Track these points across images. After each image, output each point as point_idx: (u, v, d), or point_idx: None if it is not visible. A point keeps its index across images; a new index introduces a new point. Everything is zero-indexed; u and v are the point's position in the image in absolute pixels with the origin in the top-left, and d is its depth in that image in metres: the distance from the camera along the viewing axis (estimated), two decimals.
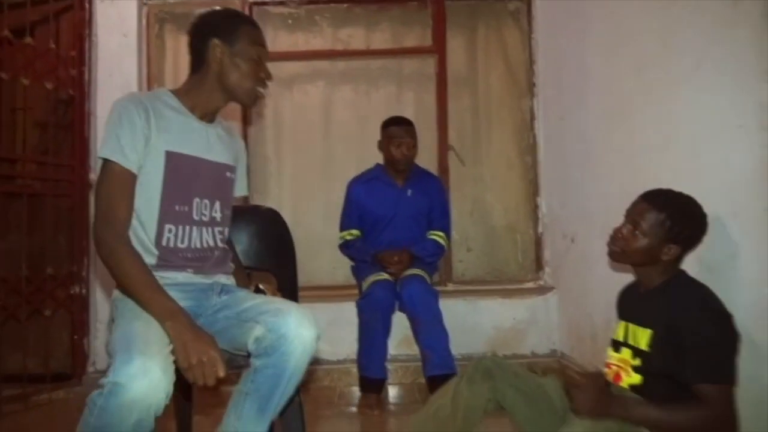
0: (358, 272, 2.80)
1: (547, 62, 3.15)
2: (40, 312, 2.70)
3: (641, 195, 1.50)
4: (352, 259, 2.92)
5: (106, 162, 1.35)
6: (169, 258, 1.43)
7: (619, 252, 1.50)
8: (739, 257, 1.51)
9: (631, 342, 1.50)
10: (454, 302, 2.91)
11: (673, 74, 1.81)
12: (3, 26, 2.58)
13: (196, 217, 1.47)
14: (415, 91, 3.37)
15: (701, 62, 1.66)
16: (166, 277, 1.37)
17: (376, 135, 2.89)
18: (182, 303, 1.30)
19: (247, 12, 3.23)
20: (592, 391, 1.40)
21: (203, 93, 1.50)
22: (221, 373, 1.19)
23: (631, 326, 1.51)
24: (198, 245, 1.48)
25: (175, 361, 1.18)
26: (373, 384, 2.56)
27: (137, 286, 1.28)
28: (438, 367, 2.42)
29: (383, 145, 2.84)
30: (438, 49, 3.26)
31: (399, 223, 2.81)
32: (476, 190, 3.35)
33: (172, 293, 1.30)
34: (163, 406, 1.13)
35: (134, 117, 1.36)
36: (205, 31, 1.49)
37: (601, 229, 2.29)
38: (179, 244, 1.44)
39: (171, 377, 1.14)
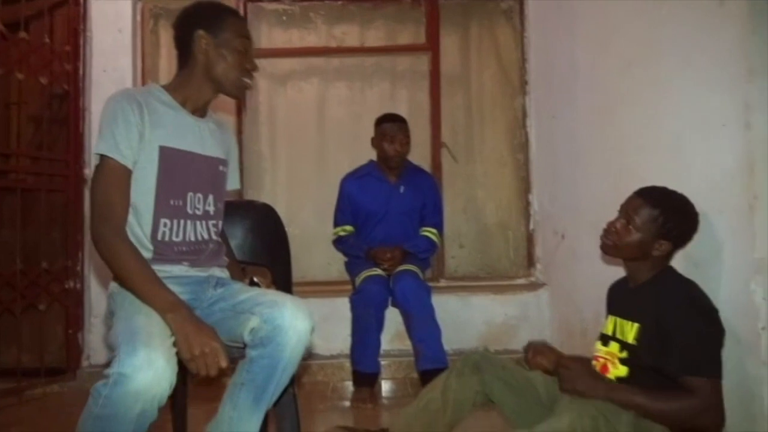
0: (352, 268, 2.83)
1: (539, 61, 3.18)
2: (34, 306, 2.70)
3: (636, 191, 1.54)
4: (345, 254, 2.94)
5: (102, 158, 1.36)
6: (165, 252, 1.44)
7: (612, 245, 1.54)
8: (723, 253, 1.55)
9: (618, 336, 1.53)
10: (447, 298, 2.94)
11: (659, 74, 1.85)
12: None
13: (190, 211, 1.48)
14: (409, 88, 3.40)
15: (687, 62, 1.69)
16: (162, 270, 1.39)
17: (370, 132, 2.91)
18: (179, 295, 1.31)
19: (242, 9, 3.24)
20: (582, 370, 1.44)
21: (192, 86, 1.51)
22: (223, 364, 1.21)
23: (620, 320, 1.55)
24: (192, 238, 1.49)
25: (177, 353, 1.20)
26: (366, 378, 2.58)
27: (137, 280, 1.29)
28: (430, 362, 2.45)
29: (376, 142, 2.86)
30: (432, 47, 3.29)
31: (392, 219, 2.84)
32: (469, 187, 3.38)
33: (170, 286, 1.32)
34: (167, 397, 1.15)
35: (128, 113, 1.37)
36: (189, 23, 1.50)
37: (591, 226, 2.33)
38: (174, 238, 1.46)
39: (174, 368, 1.16)
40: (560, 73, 2.79)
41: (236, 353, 1.37)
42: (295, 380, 1.43)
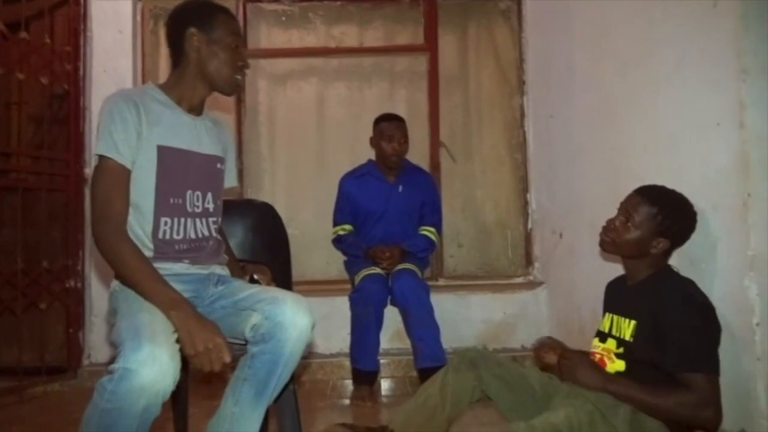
0: (351, 267, 2.84)
1: (537, 61, 3.20)
2: (35, 305, 2.72)
3: (635, 189, 1.56)
4: (344, 253, 2.95)
5: (101, 158, 1.38)
6: (166, 250, 1.45)
7: (611, 242, 1.56)
8: (718, 249, 1.57)
9: (615, 333, 1.55)
10: (446, 297, 2.95)
11: (655, 73, 1.87)
12: None
13: (189, 209, 1.50)
14: (408, 88, 3.42)
15: (682, 62, 1.71)
16: (163, 268, 1.40)
17: (369, 132, 2.92)
18: (181, 293, 1.32)
19: (241, 9, 3.26)
20: (582, 361, 1.47)
21: (187, 85, 1.52)
22: (227, 359, 1.22)
23: (617, 318, 1.57)
24: (193, 236, 1.51)
25: (181, 349, 1.22)
26: (365, 376, 2.59)
27: (140, 278, 1.31)
28: (429, 360, 2.46)
29: (375, 141, 2.87)
30: (430, 47, 3.31)
31: (390, 218, 2.85)
32: (467, 187, 3.40)
33: (171, 284, 1.33)
34: (171, 392, 1.16)
35: (125, 113, 1.38)
36: (181, 22, 1.51)
37: (588, 225, 2.36)
38: (175, 236, 1.47)
39: (178, 364, 1.17)
40: (558, 73, 2.81)
41: (238, 350, 1.39)
42: (294, 377, 1.44)
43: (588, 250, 2.38)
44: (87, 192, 2.85)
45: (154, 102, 1.47)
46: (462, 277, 3.31)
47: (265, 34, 3.40)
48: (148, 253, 1.42)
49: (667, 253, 1.54)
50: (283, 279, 1.76)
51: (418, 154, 3.21)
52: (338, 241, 2.94)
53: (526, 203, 3.31)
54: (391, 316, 2.75)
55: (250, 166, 3.33)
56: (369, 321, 2.58)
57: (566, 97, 2.69)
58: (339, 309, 2.81)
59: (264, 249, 1.88)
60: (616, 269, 1.80)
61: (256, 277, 1.67)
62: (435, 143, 3.30)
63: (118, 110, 1.38)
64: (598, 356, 1.57)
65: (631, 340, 1.48)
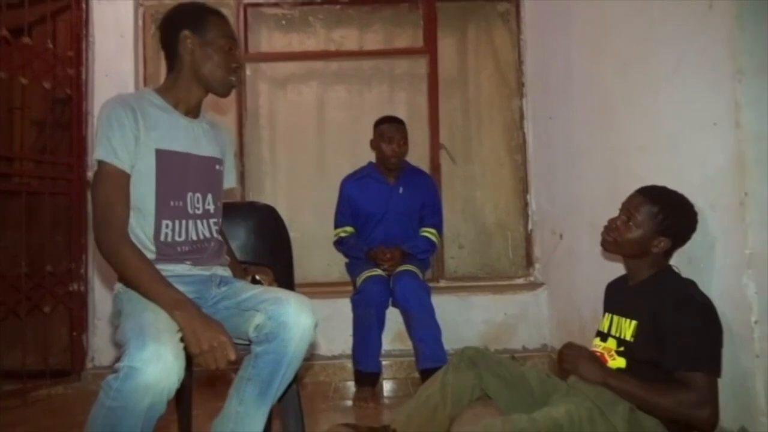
0: (352, 269, 2.86)
1: (536, 63, 3.22)
2: (39, 308, 2.74)
3: (637, 189, 1.59)
4: (346, 255, 2.97)
5: (100, 164, 1.39)
6: (168, 252, 1.47)
7: (612, 242, 1.58)
8: (716, 248, 1.58)
9: (615, 333, 1.56)
10: (447, 298, 2.96)
11: (653, 74, 1.88)
12: (1, 26, 2.62)
13: (190, 211, 1.51)
14: (407, 91, 3.43)
15: (679, 63, 1.73)
16: (165, 269, 1.41)
17: (369, 134, 2.94)
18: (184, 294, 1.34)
19: (241, 13, 3.29)
20: (584, 353, 1.49)
21: (182, 88, 1.54)
22: (232, 356, 1.24)
23: (617, 318, 1.58)
24: (194, 237, 1.52)
25: (185, 348, 1.23)
26: (367, 378, 2.61)
27: (143, 280, 1.32)
28: (430, 360, 2.47)
29: (375, 143, 2.89)
30: (429, 49, 3.32)
31: (391, 220, 2.87)
32: (467, 188, 3.42)
33: (174, 285, 1.34)
34: (175, 390, 1.17)
35: (122, 118, 1.40)
36: (174, 25, 1.53)
37: (588, 225, 2.37)
38: (177, 238, 1.48)
39: (182, 362, 1.19)
40: (556, 75, 2.83)
41: (242, 350, 1.40)
42: (298, 377, 1.45)
43: (588, 251, 2.39)
44: (90, 196, 2.87)
45: (151, 106, 1.48)
46: (463, 279, 3.32)
47: (265, 38, 3.42)
48: (151, 256, 1.43)
49: (668, 253, 1.56)
50: (285, 281, 1.77)
51: (418, 157, 3.22)
52: (339, 243, 2.95)
53: (526, 204, 3.32)
54: (393, 317, 2.77)
55: (251, 169, 3.35)
56: (371, 322, 2.60)
57: (565, 98, 2.70)
58: (340, 311, 2.83)
59: (266, 251, 1.89)
60: (616, 269, 1.81)
61: (258, 277, 1.68)
62: (435, 145, 3.31)
63: (115, 116, 1.39)
64: (598, 353, 1.58)
65: (632, 340, 1.49)
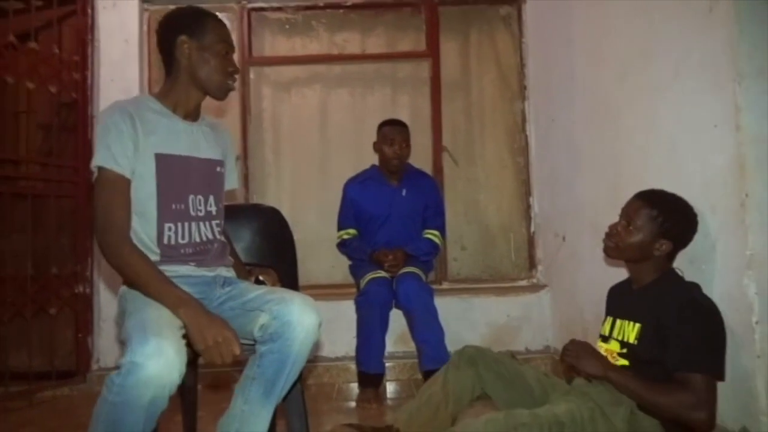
0: (356, 270, 2.87)
1: (538, 66, 3.23)
2: (45, 310, 2.76)
3: (635, 194, 1.60)
4: (349, 257, 2.98)
5: (100, 170, 1.41)
6: (171, 255, 1.49)
7: (614, 247, 1.59)
8: (717, 249, 1.59)
9: (618, 336, 1.57)
10: (450, 300, 2.97)
11: (653, 78, 1.90)
12: (8, 31, 2.65)
13: (193, 213, 1.53)
14: (410, 94, 3.45)
15: (679, 66, 1.74)
16: (169, 271, 1.43)
17: (372, 137, 2.96)
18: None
19: (245, 18, 3.31)
20: (587, 348, 1.50)
21: (180, 92, 1.56)
22: (237, 351, 1.25)
23: (619, 321, 1.59)
24: (198, 239, 1.54)
25: (189, 344, 1.25)
26: (371, 379, 2.62)
27: (147, 281, 1.34)
28: (433, 362, 2.47)
29: (378, 146, 2.91)
30: (432, 53, 3.35)
31: (394, 222, 2.88)
32: (470, 191, 3.43)
33: (179, 285, 1.36)
34: (177, 385, 1.19)
35: (120, 124, 1.41)
36: (171, 30, 1.54)
37: (590, 227, 2.38)
38: (180, 240, 1.50)
39: (184, 358, 1.20)
40: (558, 78, 2.84)
41: (247, 350, 1.42)
42: (302, 377, 1.47)
43: (590, 253, 2.40)
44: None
45: (149, 111, 1.50)
46: (466, 281, 3.33)
47: (269, 42, 3.44)
48: (155, 258, 1.45)
49: (671, 256, 1.57)
50: (289, 282, 1.78)
51: (421, 160, 3.24)
52: (343, 245, 2.97)
53: (528, 207, 3.34)
54: (397, 319, 2.78)
55: (255, 172, 3.37)
56: (374, 324, 2.61)
57: (567, 101, 2.72)
58: (344, 313, 2.84)
59: (271, 252, 1.90)
60: (619, 271, 1.83)
61: (261, 278, 1.69)
62: (438, 148, 3.33)
63: (113, 122, 1.41)
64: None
65: (635, 342, 1.50)
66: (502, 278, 3.34)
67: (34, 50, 2.77)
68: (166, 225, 1.48)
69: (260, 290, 1.46)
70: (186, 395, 1.77)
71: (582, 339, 2.56)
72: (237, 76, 1.62)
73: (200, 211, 1.55)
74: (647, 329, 1.49)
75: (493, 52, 3.47)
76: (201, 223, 1.55)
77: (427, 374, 2.47)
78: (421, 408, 1.63)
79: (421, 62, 3.40)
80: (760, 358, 1.45)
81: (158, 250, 1.47)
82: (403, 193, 2.91)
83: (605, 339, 1.63)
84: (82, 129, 2.98)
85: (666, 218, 1.52)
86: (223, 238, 1.64)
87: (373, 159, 3.00)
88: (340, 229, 2.97)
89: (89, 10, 3.05)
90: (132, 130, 1.42)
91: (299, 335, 1.31)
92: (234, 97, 3.30)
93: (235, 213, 1.85)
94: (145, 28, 3.22)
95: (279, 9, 3.39)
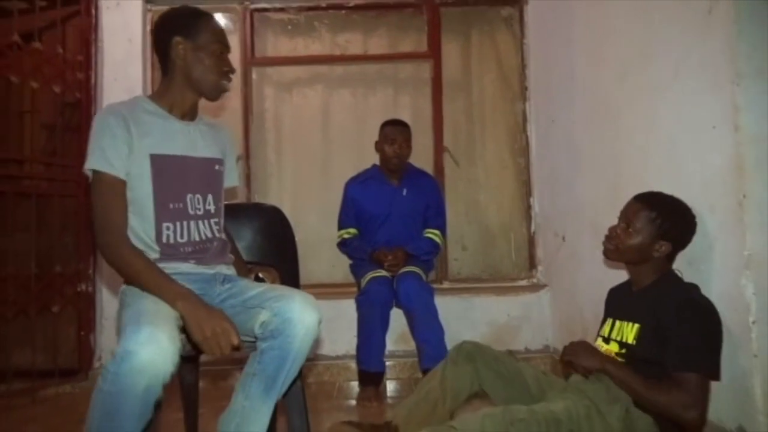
0: (357, 270, 2.88)
1: (538, 67, 3.24)
2: (48, 309, 2.78)
3: (634, 196, 1.62)
4: (350, 257, 2.99)
5: (96, 174, 1.44)
6: (171, 253, 1.50)
7: (614, 249, 1.60)
8: (715, 249, 1.60)
9: (617, 337, 1.58)
10: (450, 299, 2.99)
11: (653, 78, 1.91)
12: (12, 31, 2.67)
13: (191, 212, 1.54)
14: (411, 94, 3.47)
15: (679, 67, 1.75)
16: (169, 268, 1.45)
17: (373, 137, 2.97)
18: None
19: (248, 18, 3.33)
20: (585, 345, 1.53)
21: (176, 92, 1.57)
22: (235, 341, 1.27)
23: (618, 322, 1.60)
24: (197, 238, 1.55)
25: (188, 338, 1.26)
26: (371, 377, 2.63)
27: (146, 278, 1.36)
28: (433, 361, 2.46)
29: (379, 145, 2.93)
30: (433, 54, 3.36)
31: (395, 221, 2.89)
32: (471, 191, 3.44)
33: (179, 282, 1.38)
34: (170, 374, 1.20)
35: (113, 127, 1.43)
36: (166, 31, 1.55)
37: (590, 227, 2.39)
38: (179, 239, 1.52)
39: (178, 347, 1.21)
40: (559, 79, 2.85)
41: (248, 347, 1.43)
42: (302, 373, 1.48)
43: (590, 253, 2.41)
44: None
45: (145, 113, 1.52)
46: (466, 280, 3.35)
47: (271, 43, 3.46)
48: (155, 256, 1.47)
49: (670, 257, 1.58)
50: (291, 281, 1.79)
51: (422, 160, 3.25)
52: (343, 245, 2.98)
53: (529, 207, 3.35)
54: (397, 318, 2.79)
55: (257, 172, 3.38)
56: (375, 323, 2.62)
57: (567, 102, 2.73)
58: (344, 312, 2.85)
59: (272, 251, 1.92)
60: (618, 272, 1.84)
61: (260, 275, 1.71)
62: (439, 149, 3.34)
63: (107, 125, 1.43)
64: None
65: (634, 343, 1.52)
66: (502, 278, 3.35)
67: (38, 50, 2.79)
68: (164, 224, 1.49)
69: (261, 288, 1.48)
70: (187, 392, 1.79)
71: (582, 338, 2.59)
72: (232, 76, 1.62)
73: (199, 210, 1.56)
74: (646, 330, 1.50)
75: (494, 53, 3.48)
76: (200, 222, 1.56)
77: (427, 372, 2.47)
78: (419, 404, 1.64)
79: (422, 63, 3.41)
80: (756, 357, 1.46)
81: (158, 248, 1.49)
82: (404, 192, 2.93)
83: (606, 340, 1.64)
84: (86, 129, 2.98)
85: (665, 220, 1.53)
86: (223, 236, 1.65)
87: (375, 159, 3.01)
88: (340, 228, 2.98)
89: (93, 11, 3.07)
90: (125, 132, 1.44)
91: (300, 332, 1.32)
92: (236, 98, 3.32)
93: (236, 212, 1.87)
94: (148, 27, 3.23)
95: (281, 10, 3.41)
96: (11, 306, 2.65)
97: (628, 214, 1.58)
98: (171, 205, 1.50)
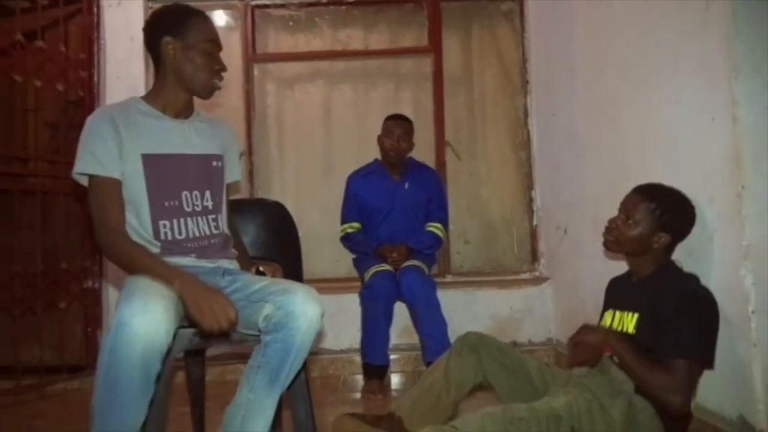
0: (360, 264, 2.90)
1: (539, 61, 3.24)
2: (55, 305, 2.81)
3: (633, 188, 1.62)
4: (353, 251, 3.01)
5: (90, 178, 1.46)
6: (172, 248, 1.52)
7: (614, 241, 1.62)
8: (714, 241, 1.62)
9: (617, 328, 1.60)
10: (453, 293, 3.00)
11: (652, 72, 1.92)
12: (15, 30, 2.68)
13: (188, 209, 1.55)
14: (413, 89, 3.48)
15: (678, 61, 1.76)
16: (170, 261, 1.46)
17: (375, 132, 2.98)
18: None
19: (249, 15, 3.34)
20: (584, 325, 1.56)
21: (168, 92, 1.58)
22: (233, 315, 1.28)
23: (619, 313, 1.62)
24: (196, 234, 1.56)
25: (189, 318, 1.29)
26: (376, 370, 2.65)
27: (144, 265, 1.37)
28: (436, 354, 2.45)
29: (380, 139, 2.94)
30: (434, 48, 3.36)
31: (397, 215, 2.91)
32: (473, 185, 3.45)
33: None
34: (167, 345, 1.22)
35: (102, 129, 1.45)
36: (156, 31, 1.56)
37: (592, 220, 2.40)
38: (177, 236, 1.53)
39: (172, 317, 1.23)
40: (560, 73, 2.86)
41: (252, 341, 1.45)
42: (306, 366, 1.50)
43: (591, 245, 2.42)
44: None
45: (138, 114, 1.53)
46: (469, 274, 3.36)
47: (272, 39, 3.47)
48: (156, 251, 1.49)
49: (670, 248, 1.60)
50: (294, 276, 1.80)
51: (424, 154, 3.26)
52: (346, 239, 2.99)
53: (530, 200, 3.36)
54: (401, 312, 2.80)
55: (260, 168, 3.40)
56: (379, 316, 2.64)
57: (568, 95, 2.73)
58: (348, 306, 2.87)
59: (275, 246, 1.94)
60: (620, 264, 1.85)
61: (261, 268, 1.72)
62: (440, 143, 3.35)
63: (95, 128, 1.46)
64: None
65: (634, 332, 1.53)
66: (504, 271, 3.37)
67: (41, 49, 2.81)
68: (161, 222, 1.51)
69: (264, 282, 1.49)
70: (194, 386, 1.81)
71: None
72: (224, 75, 1.61)
73: (197, 206, 1.57)
74: (644, 318, 1.52)
75: (495, 48, 3.49)
76: (198, 218, 1.57)
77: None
78: (423, 395, 1.66)
79: (423, 58, 3.42)
80: (756, 347, 1.48)
81: (158, 244, 1.51)
82: (406, 186, 2.94)
83: None
84: None
85: (664, 211, 1.54)
86: (225, 232, 1.66)
87: (377, 154, 3.02)
88: (343, 222, 3.00)
89: (95, 9, 3.08)
90: (114, 133, 1.46)
91: (302, 325, 1.34)
92: (238, 94, 3.34)
93: (240, 208, 1.89)
94: None
95: (282, 6, 3.41)
96: (18, 303, 2.68)
97: (627, 205, 1.59)
98: (166, 203, 1.52)
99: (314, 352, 2.96)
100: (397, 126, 2.88)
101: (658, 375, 1.40)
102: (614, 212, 1.66)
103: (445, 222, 3.00)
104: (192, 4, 1.67)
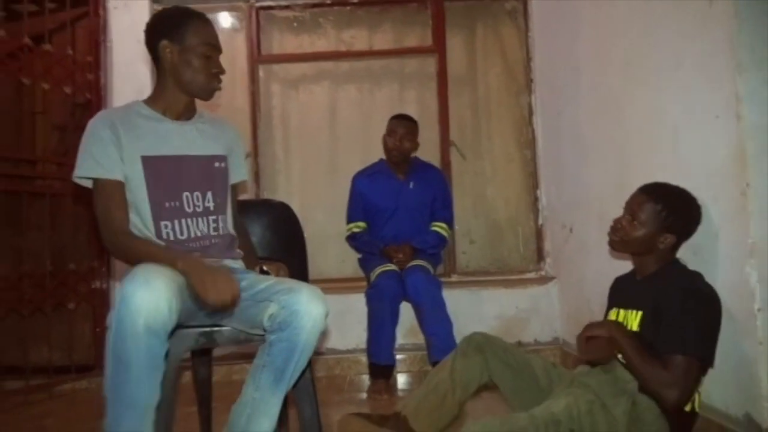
0: (366, 264, 2.91)
1: (543, 60, 3.24)
2: (63, 306, 2.84)
3: (639, 188, 1.62)
4: (358, 251, 3.02)
5: (94, 180, 1.48)
6: (175, 248, 1.53)
7: (619, 241, 1.61)
8: (719, 238, 1.61)
9: None
10: (459, 293, 3.01)
11: (656, 70, 1.91)
12: (23, 34, 2.71)
13: (189, 210, 1.56)
14: (417, 89, 3.48)
15: (682, 59, 1.76)
16: None
17: (380, 132, 2.99)
18: None
19: (254, 16, 3.35)
20: (590, 321, 1.55)
21: (168, 95, 1.59)
22: (236, 290, 1.30)
23: (623, 311, 1.61)
24: (198, 234, 1.58)
25: (193, 294, 1.30)
26: (382, 370, 2.65)
27: (147, 251, 1.39)
28: (442, 353, 2.47)
29: (384, 138, 2.95)
30: (438, 48, 3.37)
31: (401, 215, 2.91)
32: (478, 184, 3.45)
33: None
34: (170, 321, 1.23)
35: (101, 133, 1.47)
36: (154, 35, 1.57)
37: (597, 219, 2.40)
38: (179, 237, 1.55)
39: (174, 293, 1.24)
40: (564, 71, 2.85)
41: (257, 340, 1.46)
42: (311, 365, 1.51)
43: (596, 244, 2.42)
44: None
45: (139, 117, 1.55)
46: (474, 273, 3.36)
47: (277, 40, 3.49)
48: None
49: (675, 247, 1.59)
50: (300, 276, 1.81)
51: (428, 154, 3.26)
52: (352, 239, 3.00)
53: (536, 199, 3.35)
54: (406, 311, 2.81)
55: (265, 168, 3.41)
56: (385, 316, 2.64)
57: (573, 94, 2.73)
58: (354, 306, 2.88)
59: (281, 247, 1.95)
60: (625, 262, 1.84)
61: (265, 268, 1.73)
62: (445, 143, 3.36)
63: (94, 132, 1.48)
64: None
65: (638, 330, 1.53)
66: (510, 271, 3.37)
67: (49, 52, 2.83)
68: (162, 223, 1.53)
69: (269, 281, 1.50)
70: (201, 386, 1.83)
71: None
72: (222, 77, 1.62)
73: (198, 207, 1.58)
74: (648, 315, 1.52)
75: (499, 47, 3.49)
76: (199, 219, 1.58)
77: (436, 365, 2.50)
78: (429, 395, 1.66)
79: (427, 57, 3.43)
80: (762, 344, 1.47)
81: (163, 244, 1.52)
82: (411, 186, 2.94)
83: None
84: None
85: (670, 213, 1.54)
86: (230, 232, 1.67)
87: (382, 154, 3.03)
88: (349, 222, 3.00)
89: (101, 12, 3.11)
90: (113, 137, 1.48)
91: (307, 324, 1.35)
92: (244, 96, 3.36)
93: (246, 208, 1.90)
94: None
95: (287, 7, 3.43)
96: (27, 304, 2.70)
97: (633, 205, 1.58)
98: (167, 204, 1.53)
99: (320, 352, 2.97)
100: (401, 125, 2.89)
101: (656, 369, 1.40)
102: (619, 210, 1.65)
103: (450, 221, 3.01)
104: (196, 6, 1.68)
